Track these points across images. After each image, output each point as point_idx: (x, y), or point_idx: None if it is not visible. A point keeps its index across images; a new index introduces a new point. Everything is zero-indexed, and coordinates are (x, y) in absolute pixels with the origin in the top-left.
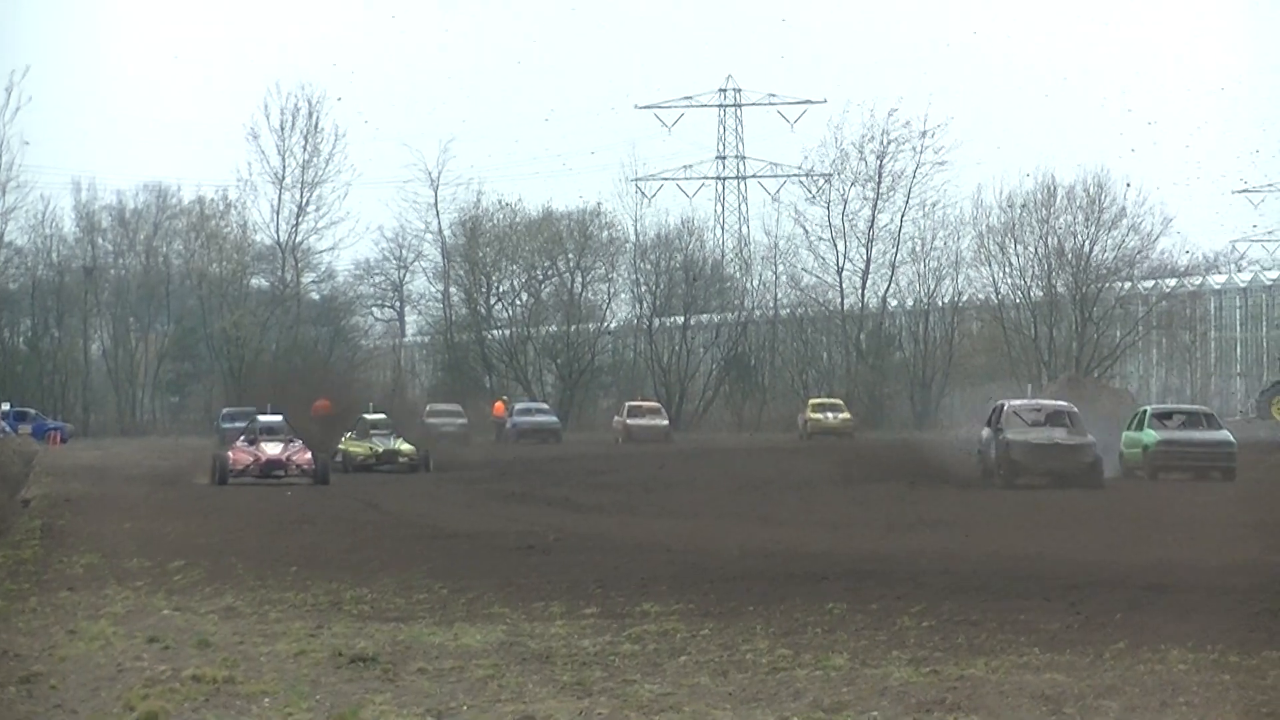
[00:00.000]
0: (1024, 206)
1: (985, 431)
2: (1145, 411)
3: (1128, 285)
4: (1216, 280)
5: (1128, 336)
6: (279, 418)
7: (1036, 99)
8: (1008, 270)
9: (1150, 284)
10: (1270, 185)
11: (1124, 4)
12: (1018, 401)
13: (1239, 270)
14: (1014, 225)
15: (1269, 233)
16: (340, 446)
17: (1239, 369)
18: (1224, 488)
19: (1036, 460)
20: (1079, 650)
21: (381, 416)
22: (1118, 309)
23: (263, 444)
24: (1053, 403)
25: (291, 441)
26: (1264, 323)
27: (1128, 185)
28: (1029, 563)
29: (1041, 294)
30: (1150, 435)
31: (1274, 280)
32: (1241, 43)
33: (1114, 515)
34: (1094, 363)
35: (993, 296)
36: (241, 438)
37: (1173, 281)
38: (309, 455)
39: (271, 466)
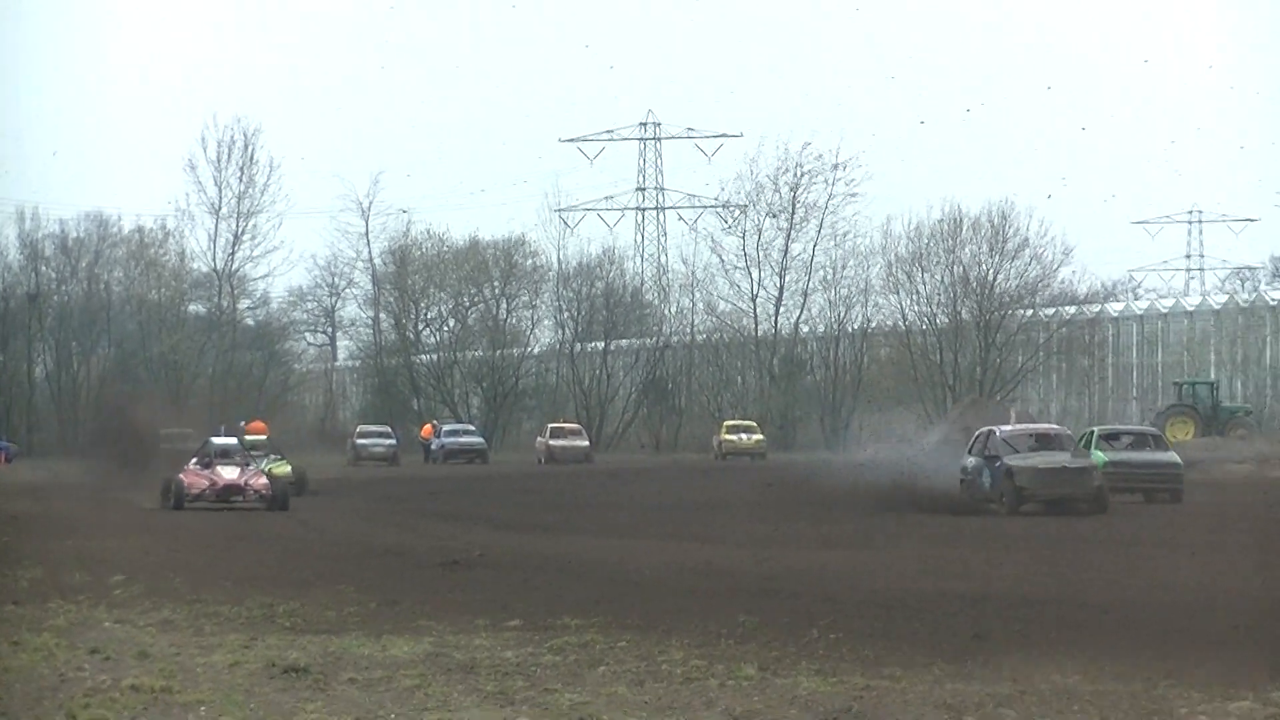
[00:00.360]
0: (931, 237)
1: (970, 460)
2: (1093, 433)
3: (1029, 312)
4: (1114, 308)
5: (1029, 361)
6: (234, 440)
7: (944, 133)
8: (915, 298)
9: (1051, 311)
10: (1167, 217)
11: (1026, 42)
12: (1007, 428)
13: (1136, 298)
14: (921, 255)
15: (1164, 262)
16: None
17: (1135, 393)
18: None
19: (1044, 486)
20: (979, 662)
21: (233, 441)
22: (1020, 335)
23: (219, 468)
24: (1043, 426)
25: (248, 465)
26: (1159, 349)
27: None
28: (938, 580)
29: (947, 320)
30: (1099, 456)
31: (1169, 308)
32: (1138, 78)
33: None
34: (996, 386)
35: (900, 323)
36: (194, 460)
37: (1072, 309)
38: (265, 480)
39: (229, 491)
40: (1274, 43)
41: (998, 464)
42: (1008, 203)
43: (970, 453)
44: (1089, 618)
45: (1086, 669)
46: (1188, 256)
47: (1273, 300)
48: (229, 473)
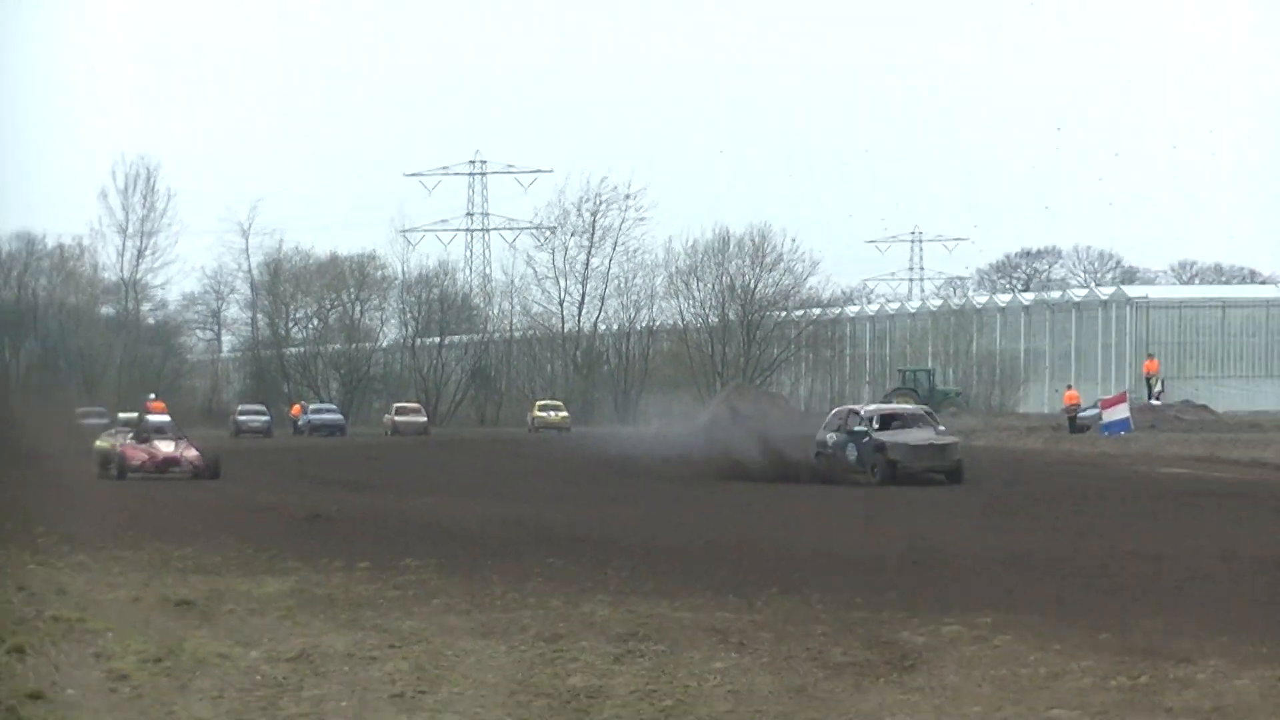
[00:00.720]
0: (704, 252)
1: (831, 435)
2: (856, 409)
3: (783, 314)
4: (851, 310)
5: (783, 353)
6: (167, 418)
7: (714, 166)
8: (691, 302)
9: (801, 312)
10: (894, 236)
11: (780, 86)
12: (871, 406)
13: (869, 302)
14: (696, 267)
15: (892, 273)
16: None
17: (868, 378)
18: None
19: (915, 459)
20: (740, 594)
21: (167, 419)
22: (775, 332)
23: (156, 442)
24: (901, 406)
25: (181, 439)
26: (888, 343)
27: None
28: (714, 533)
29: (717, 320)
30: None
31: (895, 310)
32: (869, 122)
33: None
34: (756, 374)
35: (679, 322)
36: (129, 436)
37: (818, 311)
38: (197, 452)
39: (168, 463)
40: (983, 82)
41: (865, 439)
42: (766, 224)
43: (828, 429)
44: (837, 563)
45: (831, 602)
46: (910, 269)
47: (978, 304)
48: (166, 447)
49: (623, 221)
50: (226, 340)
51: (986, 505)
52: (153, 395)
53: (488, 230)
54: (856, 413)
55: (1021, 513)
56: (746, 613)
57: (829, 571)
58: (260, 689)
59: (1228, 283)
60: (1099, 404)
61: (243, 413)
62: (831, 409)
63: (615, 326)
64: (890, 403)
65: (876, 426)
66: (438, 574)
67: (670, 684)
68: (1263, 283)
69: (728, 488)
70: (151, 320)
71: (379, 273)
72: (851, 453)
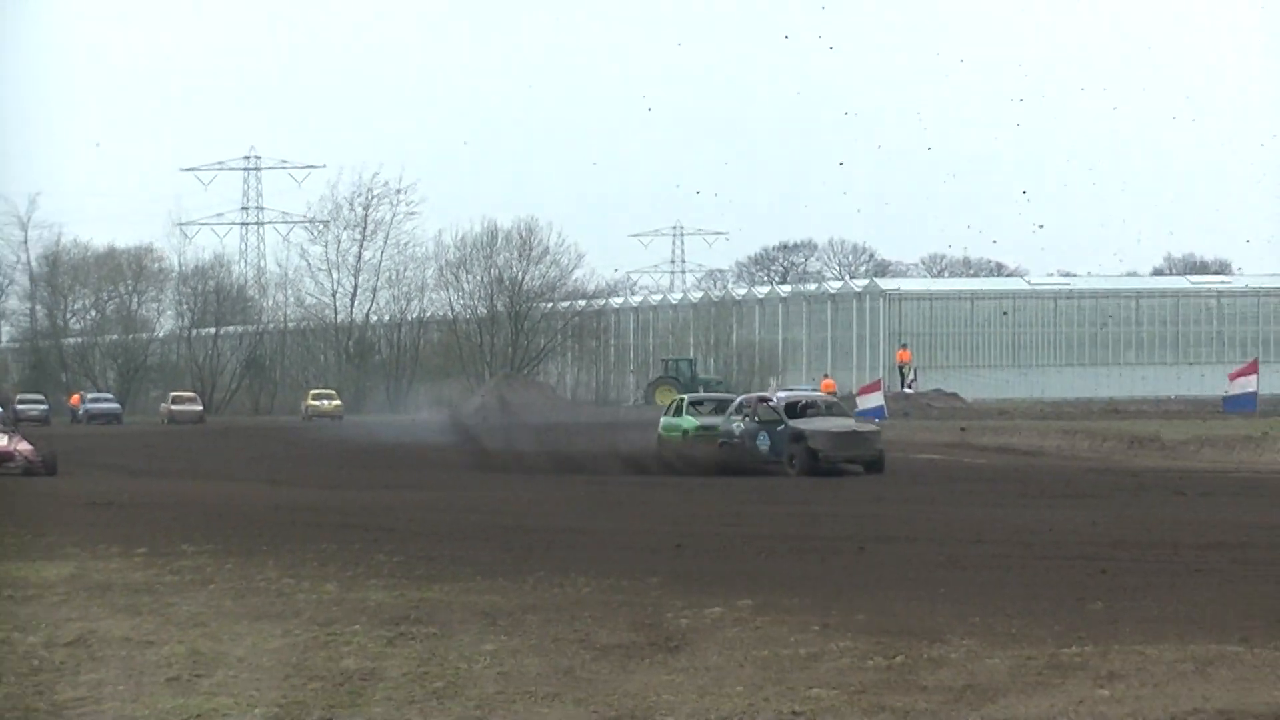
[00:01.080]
0: (473, 245)
1: (738, 424)
2: (683, 400)
3: (550, 305)
4: (616, 301)
5: (550, 344)
6: None
7: (484, 160)
8: (460, 294)
9: (567, 304)
10: (656, 231)
11: (548, 76)
12: (783, 393)
13: (633, 294)
14: (465, 260)
15: (655, 266)
16: None
17: (631, 367)
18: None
19: (836, 448)
20: (510, 578)
21: None
22: (542, 323)
23: None
24: (814, 393)
25: (14, 434)
26: (650, 333)
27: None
28: (488, 517)
29: (485, 311)
30: (690, 421)
31: (658, 302)
32: (637, 120)
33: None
34: (524, 363)
35: (449, 313)
36: None
37: (583, 302)
38: (31, 446)
39: (2, 459)
40: (742, 79)
41: (780, 428)
42: (533, 218)
43: (733, 417)
44: (604, 546)
45: (598, 585)
46: (672, 261)
47: (737, 296)
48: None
49: (394, 215)
50: (5, 331)
51: (752, 489)
52: None
53: (262, 224)
54: (767, 400)
55: (782, 497)
56: (515, 596)
57: (596, 554)
58: (37, 674)
59: (976, 275)
60: (856, 392)
61: (21, 401)
62: (593, 398)
63: (387, 317)
64: (654, 391)
65: (791, 414)
66: (214, 559)
67: (441, 666)
68: (1009, 275)
69: (504, 477)
70: None
71: (156, 265)
72: (764, 442)
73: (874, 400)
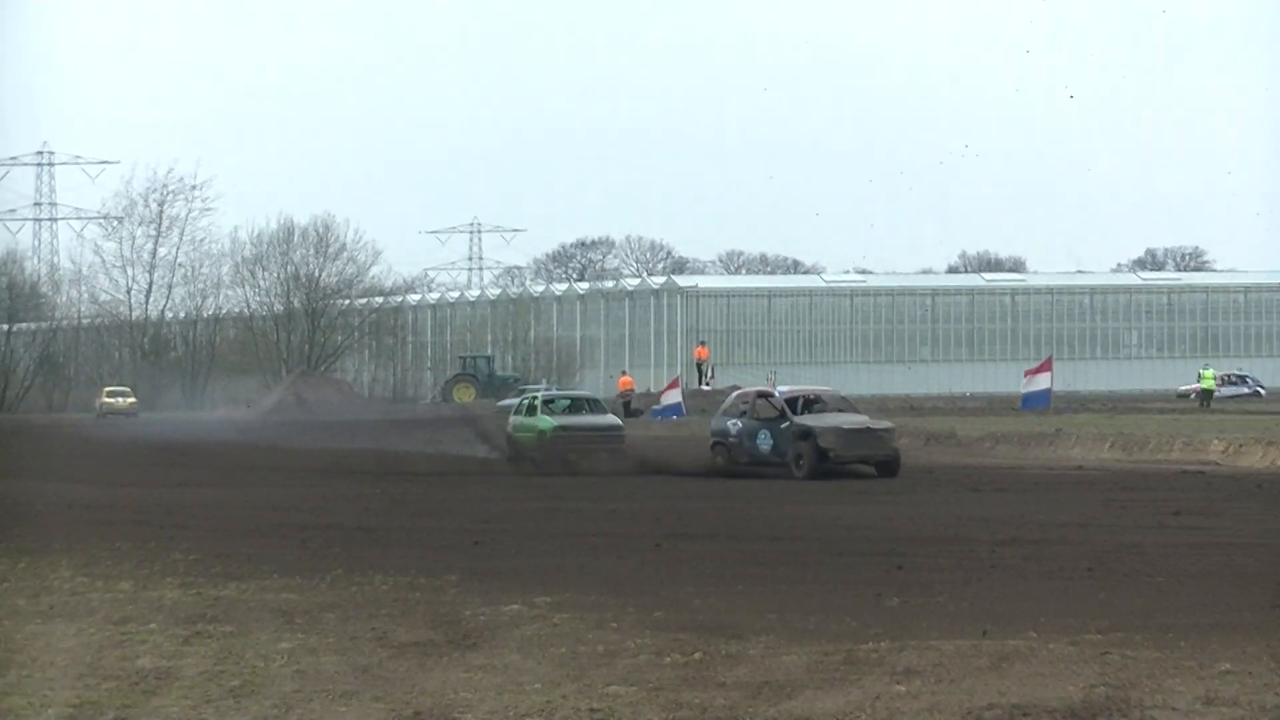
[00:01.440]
0: (269, 242)
1: (734, 422)
2: (536, 399)
3: (347, 302)
4: (413, 298)
5: (347, 341)
6: None
7: (280, 156)
8: (257, 290)
9: (364, 301)
10: (454, 227)
11: (343, 71)
12: (784, 387)
13: (430, 291)
14: (262, 256)
15: (453, 263)
16: None
17: (429, 364)
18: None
19: (848, 447)
20: (307, 576)
21: None
22: (339, 320)
23: None
24: (817, 388)
25: None
26: (448, 330)
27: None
28: (287, 515)
29: (282, 308)
30: (547, 421)
31: (456, 299)
32: (441, 103)
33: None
34: (321, 361)
35: (245, 310)
36: None
37: (381, 299)
38: None
39: None
40: (539, 76)
41: (783, 425)
42: (330, 215)
43: (728, 414)
44: (403, 543)
45: (396, 583)
46: (470, 258)
47: (535, 293)
48: None
49: (189, 211)
50: None
51: (542, 486)
52: None
53: (55, 220)
54: (767, 395)
55: (581, 494)
56: (313, 594)
57: (394, 552)
58: None
59: (773, 272)
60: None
61: None
62: (392, 394)
63: (182, 314)
64: (452, 388)
65: (796, 410)
66: (6, 558)
67: (238, 665)
68: (806, 272)
69: (304, 475)
70: None
71: None
72: (765, 441)
73: (672, 398)
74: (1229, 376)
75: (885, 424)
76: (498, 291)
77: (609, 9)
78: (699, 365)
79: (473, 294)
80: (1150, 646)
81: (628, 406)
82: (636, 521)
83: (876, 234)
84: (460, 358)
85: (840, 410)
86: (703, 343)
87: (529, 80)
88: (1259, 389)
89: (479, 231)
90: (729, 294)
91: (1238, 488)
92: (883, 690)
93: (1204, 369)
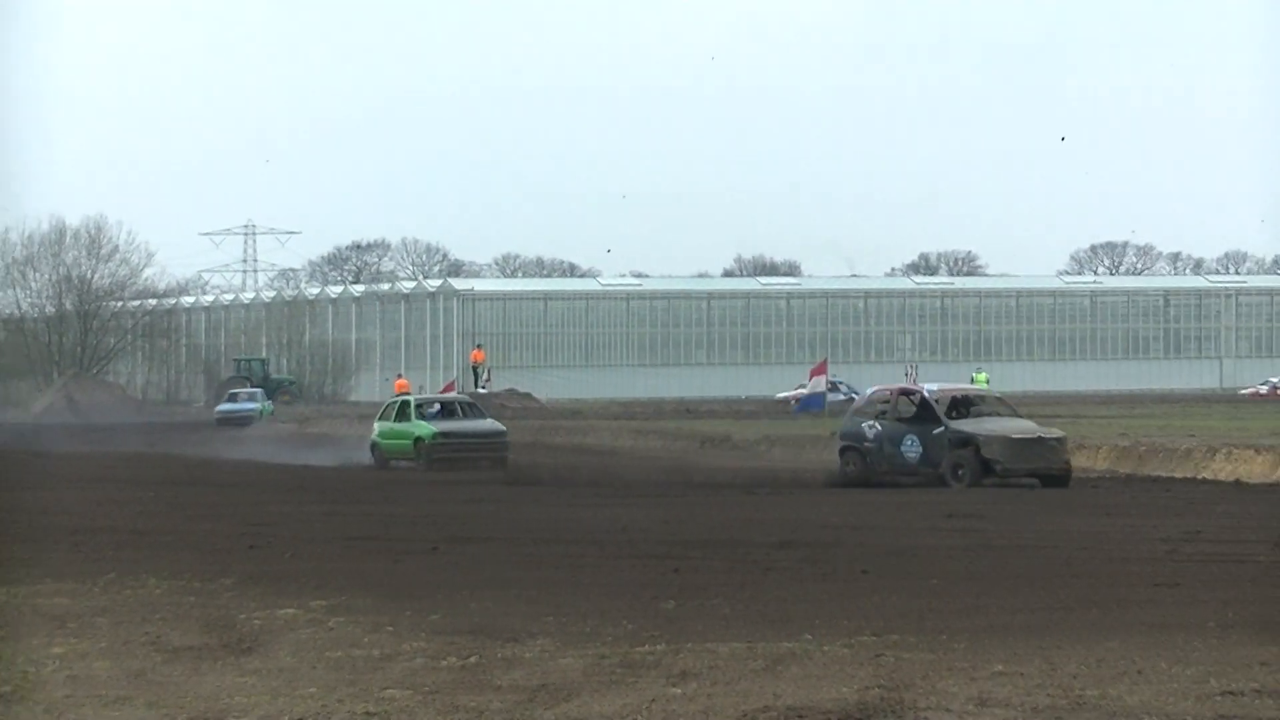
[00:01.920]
0: (40, 244)
1: (871, 425)
2: (409, 402)
3: (120, 304)
4: (187, 300)
5: (119, 343)
6: None
7: (52, 157)
8: (28, 292)
9: (137, 303)
10: (229, 229)
11: (113, 67)
12: (932, 385)
13: (205, 293)
14: (33, 258)
15: (227, 265)
16: None
17: (203, 368)
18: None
19: (1017, 458)
20: (79, 580)
21: None
22: (112, 321)
23: None
24: (970, 388)
25: None
26: (223, 333)
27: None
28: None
29: (54, 310)
30: (425, 427)
31: (230, 301)
32: (207, 103)
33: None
34: (94, 363)
35: (16, 312)
36: None
37: (154, 301)
38: None
39: None
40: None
41: (937, 430)
42: (103, 216)
43: (862, 416)
44: (176, 546)
45: (169, 587)
46: (244, 260)
47: (310, 295)
48: None
49: None
50: None
51: (319, 490)
52: None
53: None
54: (911, 395)
55: (360, 497)
56: (85, 598)
57: (168, 556)
58: None
59: (549, 276)
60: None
61: None
62: (165, 397)
63: None
64: (229, 390)
65: (952, 414)
66: None
67: (8, 670)
68: (582, 276)
69: (76, 480)
70: None
71: None
72: (912, 448)
73: None
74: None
75: (1056, 433)
76: (273, 294)
77: (382, 8)
78: (475, 368)
79: (247, 296)
80: (924, 648)
81: None
82: (414, 525)
83: (653, 238)
84: (235, 360)
85: (997, 414)
86: (479, 346)
87: (302, 80)
88: (854, 394)
89: (254, 233)
90: (505, 297)
91: (1010, 491)
92: (659, 693)
93: (976, 373)
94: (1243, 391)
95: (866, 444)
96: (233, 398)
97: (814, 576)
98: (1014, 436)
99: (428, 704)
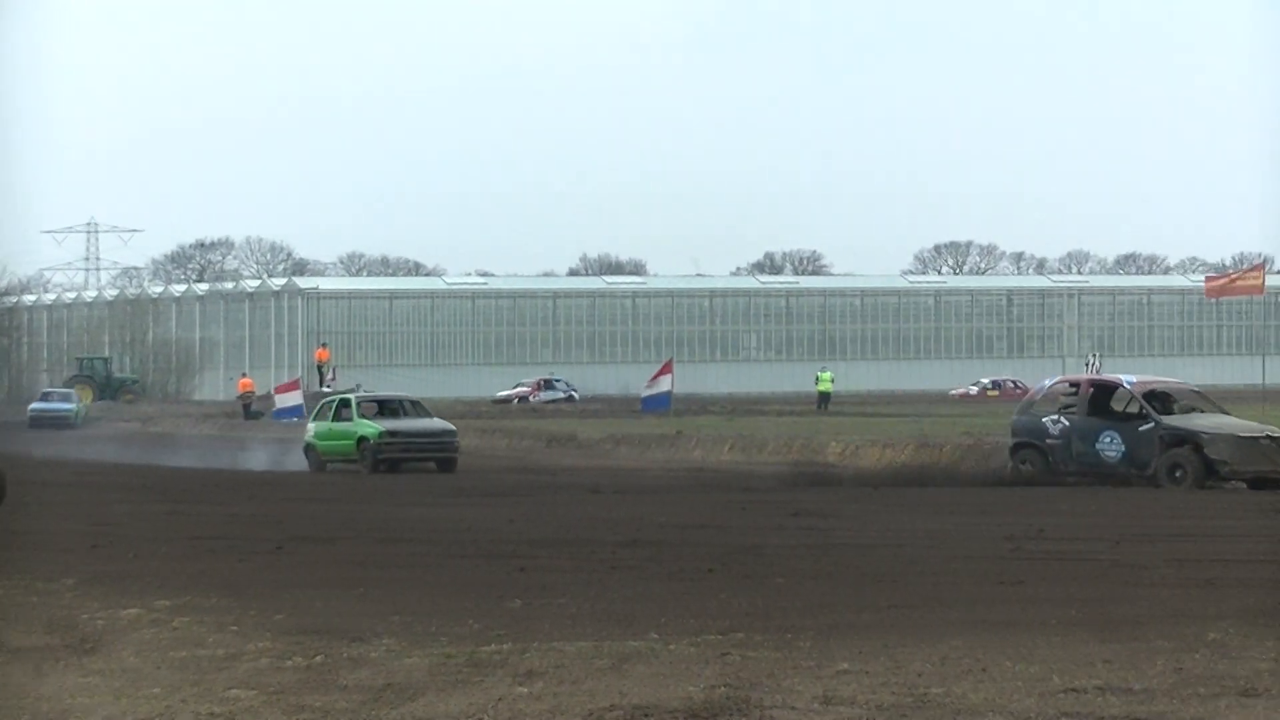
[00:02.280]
0: None
1: (1054, 420)
2: (349, 400)
3: None
4: (29, 299)
5: None
6: None
7: None
8: None
9: None
10: (70, 227)
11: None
12: (1130, 377)
13: (46, 292)
14: None
15: (69, 263)
16: None
17: (45, 367)
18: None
19: (1247, 460)
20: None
21: None
22: None
23: None
24: (1168, 380)
25: None
26: (65, 332)
27: None
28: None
29: None
30: (370, 427)
31: (73, 300)
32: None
33: None
34: None
35: None
36: None
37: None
38: None
39: None
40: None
41: (1145, 427)
42: None
43: (1037, 410)
44: (20, 545)
45: (12, 586)
46: (86, 259)
47: (154, 294)
48: None
49: None
50: None
51: (161, 490)
52: None
53: None
54: (1108, 387)
55: (202, 497)
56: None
57: (8, 556)
58: None
59: (394, 274)
60: (274, 391)
61: None
62: (6, 395)
63: None
64: (71, 388)
65: (1157, 408)
66: None
67: None
68: (427, 274)
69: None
70: None
71: None
72: (1112, 446)
73: (292, 399)
74: (542, 382)
75: (1276, 431)
76: (115, 292)
77: (221, 8)
78: (320, 367)
79: (90, 295)
80: (770, 647)
81: (248, 409)
82: (258, 524)
83: (499, 236)
84: (77, 359)
85: (1201, 410)
86: (324, 345)
87: (145, 76)
88: (572, 393)
89: (96, 232)
90: (350, 296)
91: (855, 489)
92: (505, 692)
93: (822, 372)
94: (953, 392)
95: (1050, 440)
96: (45, 396)
97: (660, 575)
98: (1242, 435)
99: (273, 704)
